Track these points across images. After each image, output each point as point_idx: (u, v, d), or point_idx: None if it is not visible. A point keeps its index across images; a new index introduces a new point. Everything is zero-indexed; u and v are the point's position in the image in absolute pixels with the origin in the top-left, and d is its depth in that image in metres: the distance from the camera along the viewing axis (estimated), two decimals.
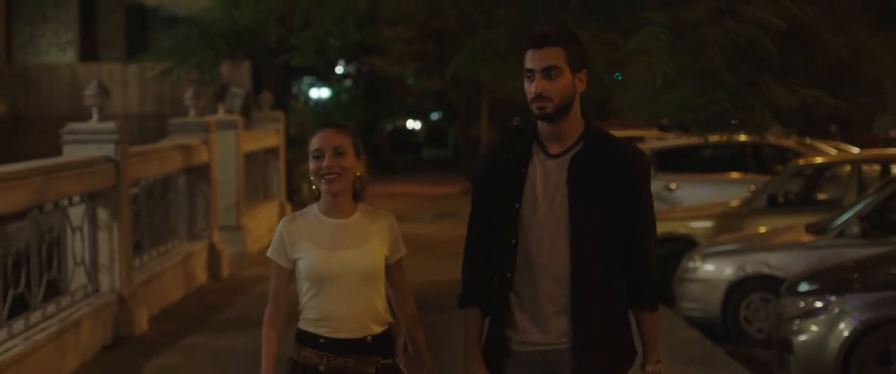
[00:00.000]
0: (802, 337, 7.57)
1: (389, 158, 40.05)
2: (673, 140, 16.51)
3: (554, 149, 3.72)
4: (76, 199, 8.51)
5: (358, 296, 3.92)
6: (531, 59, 3.65)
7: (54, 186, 7.82)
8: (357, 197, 4.00)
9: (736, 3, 5.54)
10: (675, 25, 5.56)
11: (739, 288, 9.75)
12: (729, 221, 11.96)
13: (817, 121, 17.25)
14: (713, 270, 9.98)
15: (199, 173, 12.29)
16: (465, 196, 25.16)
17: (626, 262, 3.75)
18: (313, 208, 4.01)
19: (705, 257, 10.10)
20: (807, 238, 9.73)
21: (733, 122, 5.84)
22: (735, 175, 15.00)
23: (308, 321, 3.94)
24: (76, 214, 8.56)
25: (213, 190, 12.52)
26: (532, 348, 3.74)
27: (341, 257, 3.91)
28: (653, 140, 16.55)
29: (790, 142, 15.39)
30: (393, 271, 4.03)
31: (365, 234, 3.95)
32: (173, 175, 11.55)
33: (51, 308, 7.90)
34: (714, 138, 6.32)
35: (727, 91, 5.65)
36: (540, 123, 3.73)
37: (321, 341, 3.92)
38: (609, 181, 3.68)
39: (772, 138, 14.59)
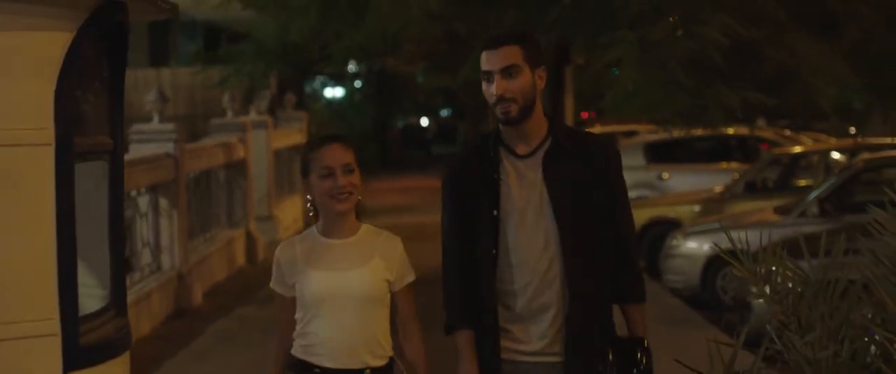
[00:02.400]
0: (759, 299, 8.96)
1: (400, 155, 41.33)
2: (664, 133, 17.92)
3: (522, 149, 3.58)
4: (143, 190, 9.97)
5: (355, 322, 3.62)
6: (488, 61, 3.51)
7: (130, 179, 9.27)
8: (358, 216, 3.77)
9: (690, 25, 6.98)
10: (643, 42, 7.00)
11: (715, 262, 11.12)
12: (711, 205, 13.32)
13: (781, 115, 18.56)
14: (694, 247, 11.35)
15: (237, 168, 13.74)
16: None
17: (610, 255, 3.60)
18: (312, 230, 3.76)
19: (687, 236, 11.47)
20: (773, 218, 11.09)
21: (691, 118, 7.28)
22: (724, 165, 16.41)
23: (301, 349, 3.68)
24: (143, 202, 10.02)
25: (248, 183, 13.97)
26: (530, 358, 3.57)
27: (338, 279, 3.63)
28: (645, 133, 17.96)
29: (769, 133, 16.80)
30: (399, 299, 3.73)
31: (366, 255, 3.67)
32: (216, 170, 13.00)
33: (127, 282, 9.37)
34: (697, 132, 7.74)
35: (685, 95, 7.10)
36: (502, 126, 3.59)
37: (316, 370, 3.64)
38: (584, 175, 3.55)
39: (756, 132, 16.12)
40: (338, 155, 3.64)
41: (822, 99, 7.94)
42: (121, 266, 3.63)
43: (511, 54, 3.49)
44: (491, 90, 3.50)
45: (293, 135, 17.82)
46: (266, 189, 15.19)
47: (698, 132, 14.01)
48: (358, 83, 37.68)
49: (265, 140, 15.11)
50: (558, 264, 3.53)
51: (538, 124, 3.58)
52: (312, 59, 10.10)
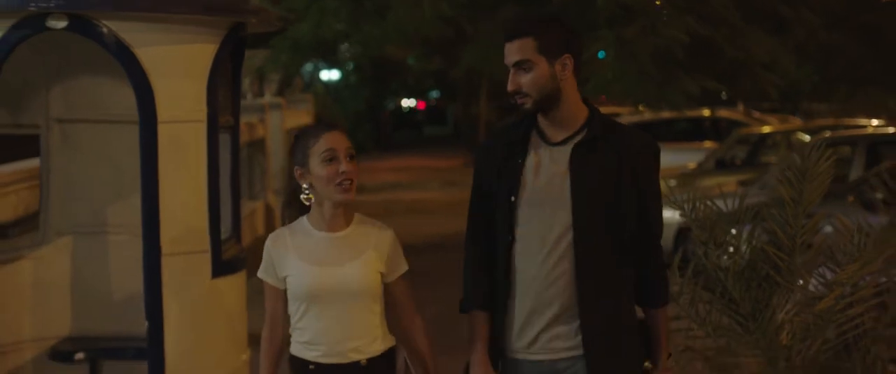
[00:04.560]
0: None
1: (392, 136, 42.70)
2: (647, 115, 19.47)
3: (555, 137, 3.45)
4: None
5: (350, 316, 3.56)
6: (505, 53, 3.41)
7: None
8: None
9: (657, 25, 8.46)
10: (618, 39, 8.49)
11: (686, 230, 12.61)
12: (685, 179, 14.81)
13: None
14: (667, 215, 12.81)
15: (257, 146, 15.16)
16: (466, 168, 27.95)
17: (634, 255, 3.44)
18: (302, 221, 3.65)
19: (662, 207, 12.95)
20: (736, 190, 12.59)
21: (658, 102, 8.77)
22: (707, 144, 17.92)
23: (298, 345, 3.61)
24: None
25: (267, 160, 15.41)
26: (539, 356, 3.46)
27: (331, 274, 3.54)
28: (627, 115, 19.46)
29: (739, 115, 18.33)
30: (394, 289, 3.66)
31: (358, 248, 3.59)
32: (242, 147, 14.42)
33: None
34: (676, 114, 9.20)
35: (653, 83, 8.60)
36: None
37: (311, 366, 3.58)
38: (614, 170, 3.37)
39: (728, 114, 17.69)
40: (341, 139, 3.56)
41: (769, 87, 9.49)
42: (238, 209, 5.09)
43: (523, 48, 3.37)
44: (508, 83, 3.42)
45: (302, 115, 19.27)
46: (281, 165, 16.63)
47: (677, 115, 15.58)
48: (350, 66, 38.96)
49: (280, 120, 16.53)
50: (571, 258, 3.38)
51: (572, 112, 3.44)
52: (336, 52, 11.55)
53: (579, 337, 3.39)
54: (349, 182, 3.52)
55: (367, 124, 36.73)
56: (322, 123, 3.79)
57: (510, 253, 3.43)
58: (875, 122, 15.41)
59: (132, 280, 5.11)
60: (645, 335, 3.54)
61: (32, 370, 5.07)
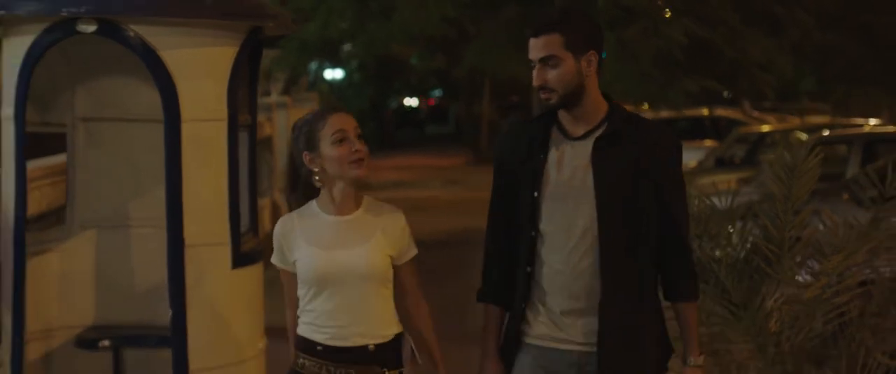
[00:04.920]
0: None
1: (394, 135, 42.93)
2: (649, 114, 19.74)
3: (576, 131, 3.46)
4: None
5: (359, 300, 3.58)
6: (531, 48, 3.43)
7: None
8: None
9: (658, 26, 8.72)
10: (619, 40, 8.75)
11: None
12: (686, 177, 15.03)
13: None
14: None
15: (265, 144, 15.41)
16: (468, 167, 28.19)
17: (659, 251, 3.45)
18: (311, 205, 3.69)
19: None
20: (735, 187, 12.84)
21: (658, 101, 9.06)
22: (707, 143, 18.18)
23: (306, 327, 3.64)
24: None
25: (274, 158, 15.66)
26: (557, 345, 3.48)
27: (340, 258, 3.57)
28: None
29: (739, 114, 18.61)
30: (402, 273, 3.67)
31: (368, 231, 3.61)
32: None
33: None
34: (679, 113, 9.45)
35: (655, 83, 8.86)
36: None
37: (319, 348, 3.61)
38: (636, 164, 3.39)
39: (729, 113, 17.95)
40: (349, 120, 3.61)
41: (765, 87, 9.77)
42: (255, 204, 5.34)
43: (550, 44, 3.40)
44: (534, 78, 3.45)
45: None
46: (287, 163, 16.87)
47: (676, 114, 15.87)
48: (354, 65, 39.18)
49: (286, 119, 16.76)
50: (595, 252, 3.40)
51: (593, 107, 3.46)
52: (342, 51, 11.85)
53: (601, 332, 3.39)
54: (363, 159, 3.57)
55: (370, 123, 36.95)
56: (326, 108, 3.79)
57: (534, 248, 3.46)
58: (873, 121, 15.68)
59: (153, 272, 5.37)
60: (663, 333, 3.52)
61: (59, 357, 5.32)
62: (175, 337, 4.72)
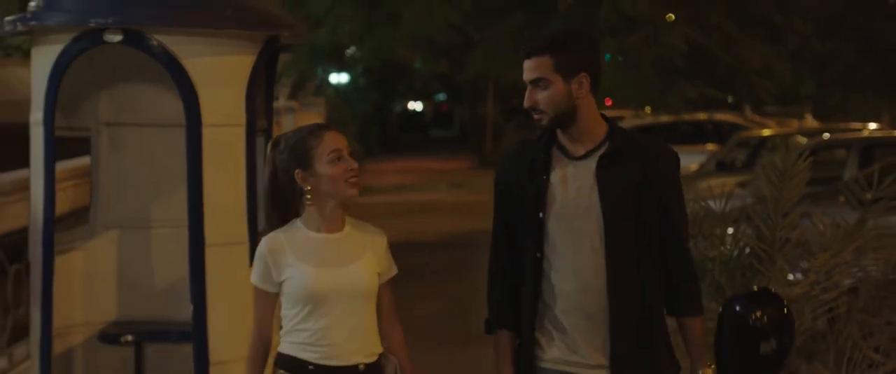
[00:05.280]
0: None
1: (398, 138, 43.19)
2: (651, 118, 20.01)
3: (577, 151, 3.50)
4: None
5: (353, 317, 3.60)
6: (524, 69, 3.49)
7: None
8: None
9: (658, 34, 8.98)
10: (621, 47, 9.02)
11: None
12: (687, 181, 15.29)
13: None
14: None
15: None
16: (472, 171, 28.44)
17: (664, 266, 3.50)
18: (296, 224, 3.67)
19: None
20: (734, 191, 13.07)
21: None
22: (709, 147, 18.44)
23: (295, 346, 3.61)
24: None
25: None
26: (570, 368, 3.49)
27: (336, 275, 3.58)
28: (631, 118, 19.99)
29: (740, 119, 18.88)
30: (382, 293, 3.70)
31: (358, 249, 3.65)
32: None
33: None
34: (681, 118, 9.74)
35: (655, 89, 9.13)
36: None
37: (310, 367, 3.59)
38: (639, 181, 3.44)
39: (730, 117, 18.23)
40: (342, 139, 3.64)
41: (763, 92, 10.06)
42: None
43: (540, 66, 3.45)
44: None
45: (314, 118, 19.79)
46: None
47: (676, 118, 16.14)
48: (359, 69, 39.40)
49: (293, 123, 17.04)
50: (604, 272, 3.42)
51: (590, 127, 3.50)
52: (350, 56, 12.14)
53: (612, 352, 3.42)
54: (356, 177, 3.61)
55: (374, 127, 37.21)
56: (315, 125, 3.80)
57: (541, 269, 3.47)
58: (873, 125, 15.93)
59: (172, 270, 5.62)
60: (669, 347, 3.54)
61: (83, 352, 5.57)
62: (196, 332, 4.96)
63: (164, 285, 5.72)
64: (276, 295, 3.65)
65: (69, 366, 5.50)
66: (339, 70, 34.64)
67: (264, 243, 3.67)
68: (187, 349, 5.08)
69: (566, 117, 3.45)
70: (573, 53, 3.45)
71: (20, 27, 4.95)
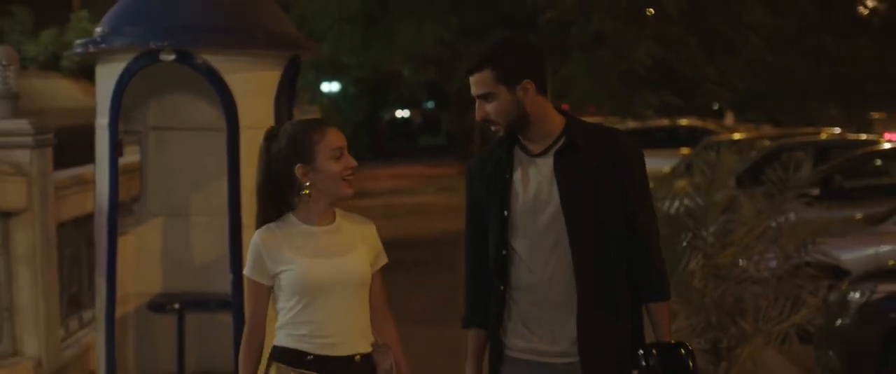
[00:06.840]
0: None
1: (387, 145, 44.06)
2: (630, 123, 21.22)
3: (536, 149, 3.55)
4: None
5: (350, 308, 3.64)
6: (471, 85, 3.54)
7: None
8: None
9: (624, 49, 10.16)
10: (591, 61, 10.21)
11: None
12: (661, 183, 16.38)
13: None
14: None
15: None
16: (460, 176, 29.33)
17: (629, 255, 3.50)
18: (289, 218, 3.67)
19: None
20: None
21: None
22: (683, 150, 19.60)
23: (292, 337, 3.63)
24: None
25: None
26: (538, 358, 3.54)
27: (332, 265, 3.61)
28: (614, 123, 21.19)
29: (711, 125, 20.07)
30: (374, 282, 3.73)
31: (352, 240, 3.68)
32: None
33: None
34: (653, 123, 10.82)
35: (621, 98, 10.33)
36: None
37: (309, 357, 3.61)
38: (598, 173, 3.47)
39: (703, 123, 19.41)
40: (342, 137, 3.67)
41: (721, 100, 11.28)
42: None
43: (482, 81, 3.50)
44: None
45: None
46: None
47: (656, 124, 17.35)
48: (351, 78, 40.19)
49: None
50: (567, 264, 3.47)
51: (546, 125, 3.56)
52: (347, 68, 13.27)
53: (579, 341, 3.46)
54: (353, 177, 3.65)
55: (364, 134, 38.08)
56: (316, 120, 3.85)
57: (506, 266, 3.53)
58: (837, 130, 17.14)
59: (208, 251, 6.71)
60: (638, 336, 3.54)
61: (135, 317, 6.67)
62: (235, 298, 6.04)
63: (201, 263, 6.81)
64: (270, 288, 3.65)
65: (124, 329, 6.58)
66: (331, 79, 35.60)
67: (258, 236, 3.66)
68: (220, 319, 6.17)
69: (519, 122, 3.52)
70: (512, 63, 3.49)
71: (92, 49, 6.05)
